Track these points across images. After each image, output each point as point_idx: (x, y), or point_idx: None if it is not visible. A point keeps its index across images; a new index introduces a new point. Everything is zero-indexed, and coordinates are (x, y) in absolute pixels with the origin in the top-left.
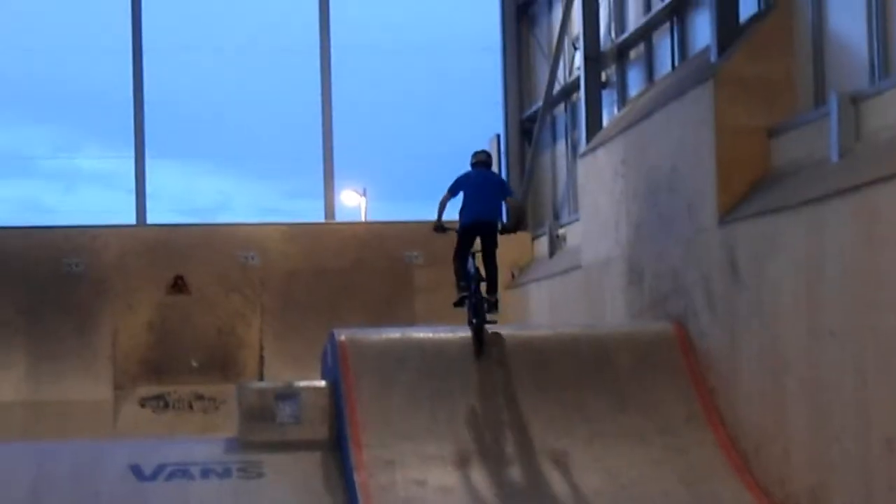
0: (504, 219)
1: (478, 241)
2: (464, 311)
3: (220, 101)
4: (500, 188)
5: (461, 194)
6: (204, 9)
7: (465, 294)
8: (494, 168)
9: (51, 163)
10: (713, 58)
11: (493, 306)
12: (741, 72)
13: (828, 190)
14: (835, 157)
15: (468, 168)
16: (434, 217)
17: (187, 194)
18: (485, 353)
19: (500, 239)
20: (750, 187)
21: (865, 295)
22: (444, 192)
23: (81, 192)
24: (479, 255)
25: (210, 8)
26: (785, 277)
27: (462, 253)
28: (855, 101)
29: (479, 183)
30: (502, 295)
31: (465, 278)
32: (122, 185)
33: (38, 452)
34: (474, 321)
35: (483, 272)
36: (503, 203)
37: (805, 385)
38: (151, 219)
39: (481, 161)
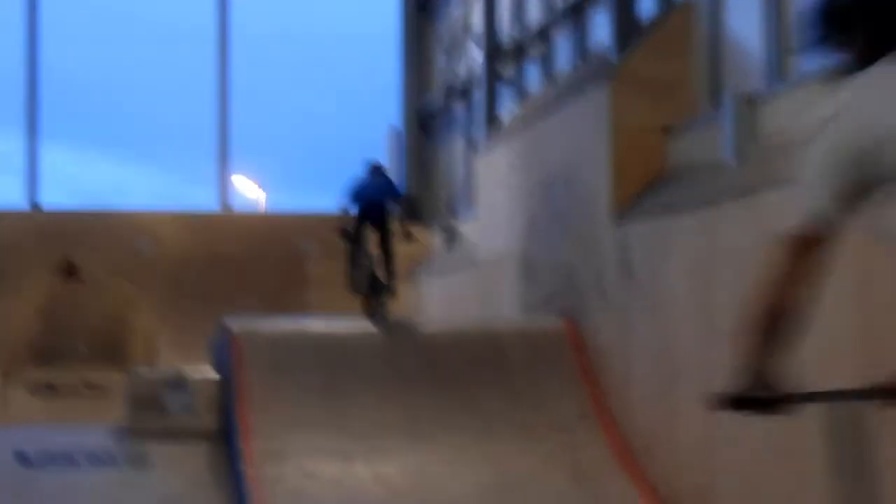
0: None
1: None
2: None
3: (118, 86)
4: (389, 188)
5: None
6: None
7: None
8: (390, 159)
9: None
10: (612, 57)
11: (388, 290)
12: (639, 72)
13: (722, 192)
14: (730, 159)
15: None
16: (334, 210)
17: (82, 178)
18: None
19: (397, 233)
20: (645, 187)
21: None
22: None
23: None
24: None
25: None
26: (678, 278)
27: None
28: (751, 103)
29: (372, 184)
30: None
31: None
32: (13, 168)
33: None
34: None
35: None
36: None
37: (696, 387)
38: (48, 202)
39: (375, 169)
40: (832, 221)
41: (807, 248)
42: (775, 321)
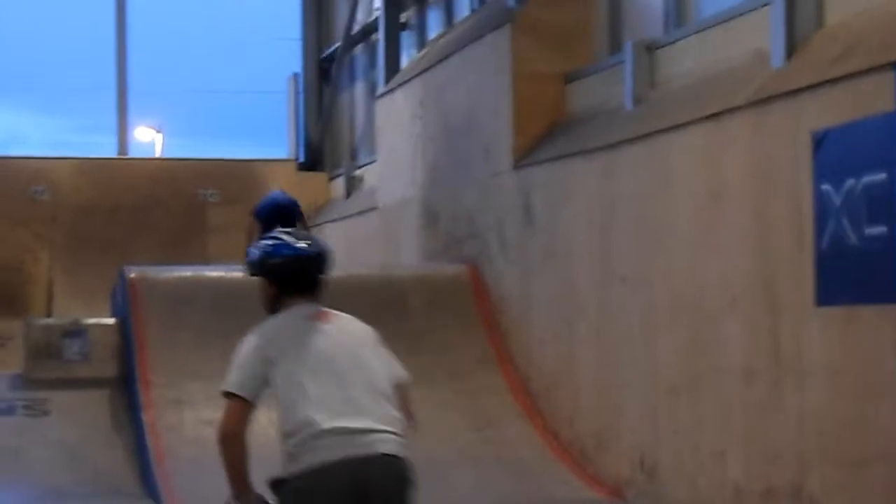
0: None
1: None
2: None
3: (11, 31)
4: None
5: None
6: None
7: None
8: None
9: None
10: (511, 2)
11: None
12: (538, 17)
13: (621, 136)
14: (629, 105)
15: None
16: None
17: None
18: None
19: (298, 179)
20: (545, 132)
21: (655, 241)
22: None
23: None
24: None
25: None
26: (578, 223)
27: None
28: (650, 49)
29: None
30: None
31: None
32: None
33: None
34: None
35: None
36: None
37: (595, 330)
38: None
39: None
40: None
41: None
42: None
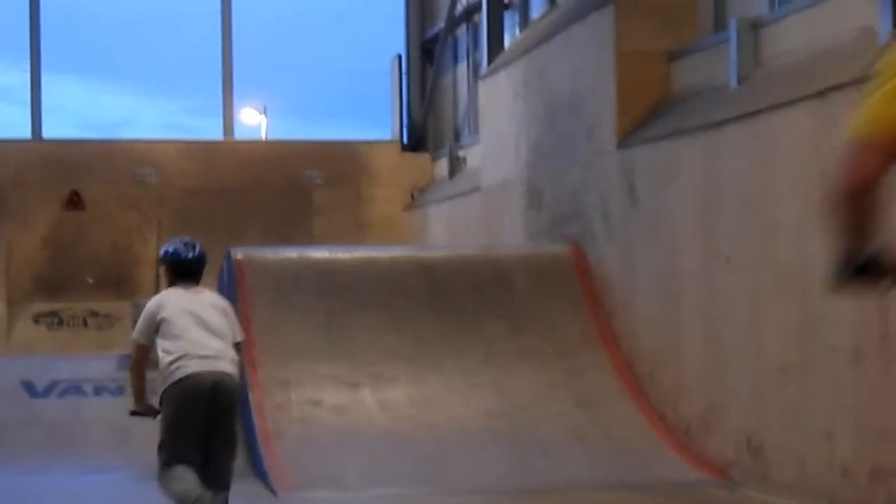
0: None
1: None
2: (360, 231)
3: (123, 16)
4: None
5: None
6: None
7: None
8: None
9: None
10: None
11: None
12: None
13: (725, 115)
14: (733, 83)
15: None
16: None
17: (91, 110)
18: None
19: (401, 160)
20: (649, 111)
21: (760, 221)
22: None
23: None
24: None
25: None
26: (682, 202)
27: None
28: (755, 26)
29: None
30: (403, 216)
31: None
32: (23, 100)
33: None
34: None
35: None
36: None
37: (700, 310)
38: (55, 133)
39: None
40: None
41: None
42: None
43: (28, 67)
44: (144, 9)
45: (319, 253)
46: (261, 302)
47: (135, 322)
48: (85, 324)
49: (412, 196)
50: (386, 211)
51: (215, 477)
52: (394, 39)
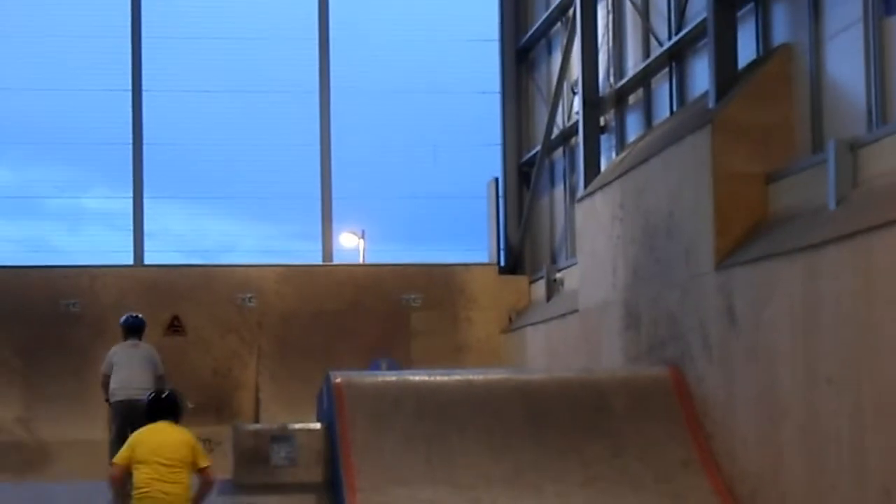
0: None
1: None
2: (457, 353)
3: (224, 144)
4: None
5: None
6: (204, 51)
7: None
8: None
9: (57, 203)
10: (711, 103)
11: None
12: (739, 117)
13: (824, 236)
14: (832, 204)
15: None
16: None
17: (193, 235)
18: None
19: (498, 283)
20: (747, 233)
21: (862, 342)
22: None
23: (87, 231)
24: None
25: (210, 50)
26: (781, 323)
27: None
28: (853, 147)
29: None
30: (501, 339)
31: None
32: (126, 226)
33: (34, 494)
34: None
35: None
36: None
37: (802, 432)
38: (158, 259)
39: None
40: None
41: None
42: None
43: (131, 194)
44: (246, 136)
45: (418, 375)
46: (360, 425)
47: (239, 448)
48: None
49: (509, 318)
50: (483, 333)
51: None
52: (491, 163)
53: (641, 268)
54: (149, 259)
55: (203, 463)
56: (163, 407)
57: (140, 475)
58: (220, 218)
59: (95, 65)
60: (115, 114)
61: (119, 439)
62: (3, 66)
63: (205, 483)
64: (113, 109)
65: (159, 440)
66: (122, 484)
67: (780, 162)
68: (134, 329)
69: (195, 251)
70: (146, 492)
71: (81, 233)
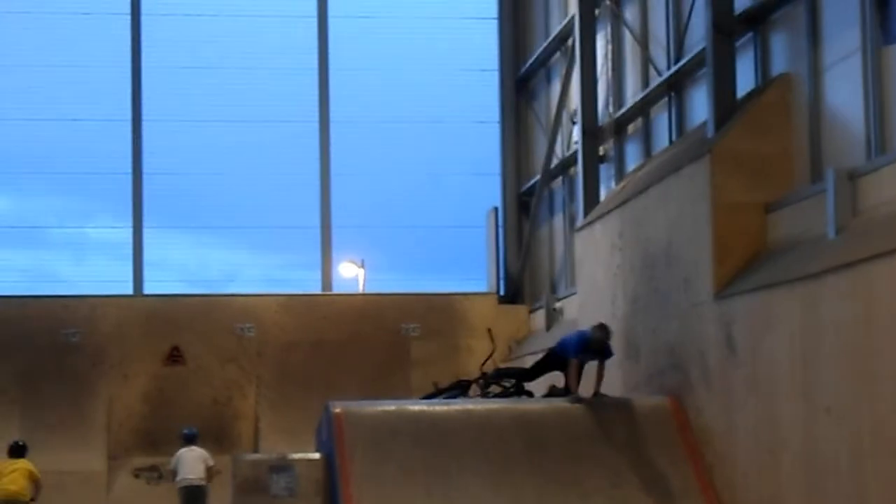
0: None
1: None
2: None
3: (225, 173)
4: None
5: None
6: (204, 81)
7: None
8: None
9: (60, 233)
10: (710, 133)
11: None
12: (738, 147)
13: (824, 266)
14: (831, 233)
15: None
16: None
17: (195, 265)
18: None
19: (498, 312)
20: (746, 262)
21: (861, 371)
22: None
23: (90, 261)
24: None
25: (210, 80)
26: (781, 353)
27: None
28: (852, 177)
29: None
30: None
31: None
32: (126, 255)
33: None
34: None
35: None
36: None
37: (801, 461)
38: (160, 289)
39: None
40: None
41: None
42: None
43: (130, 223)
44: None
45: (417, 405)
46: (359, 455)
47: (239, 478)
48: None
49: (509, 348)
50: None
51: None
52: (490, 192)
53: (640, 297)
54: (151, 288)
55: None
56: None
57: None
58: (223, 248)
59: (96, 95)
60: (116, 143)
61: None
62: (4, 97)
63: None
64: (114, 139)
65: None
66: None
67: (779, 191)
68: (190, 439)
69: (198, 281)
70: None
71: (84, 263)
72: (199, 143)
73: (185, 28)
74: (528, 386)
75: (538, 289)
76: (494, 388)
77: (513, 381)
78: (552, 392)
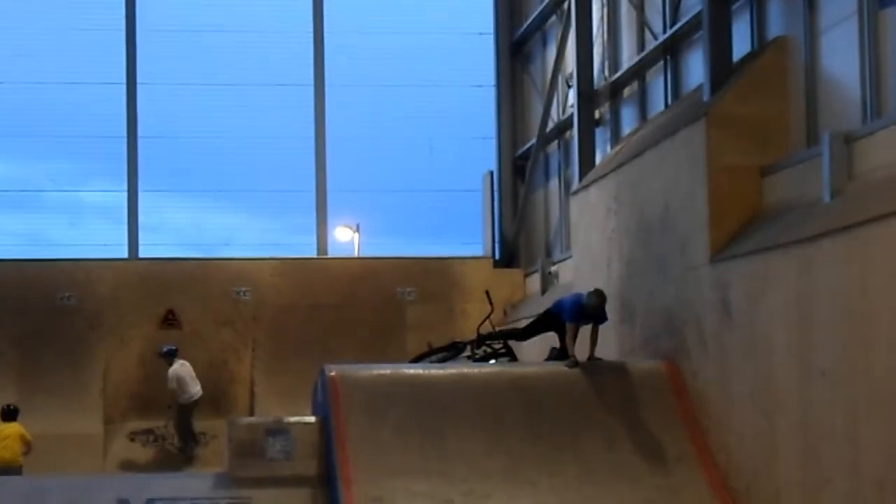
0: None
1: None
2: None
3: (220, 137)
4: None
5: None
6: (199, 44)
7: None
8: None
9: (55, 196)
10: (706, 96)
11: None
12: (734, 111)
13: (819, 229)
14: (827, 197)
15: None
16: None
17: (192, 229)
18: None
19: (493, 276)
20: (742, 226)
21: (856, 335)
22: None
23: (86, 225)
24: None
25: (204, 43)
26: (776, 317)
27: None
28: (847, 140)
29: None
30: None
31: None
32: (122, 219)
33: (28, 487)
34: None
35: None
36: None
37: (796, 425)
38: (156, 253)
39: None
40: None
41: None
42: None
43: (125, 187)
44: (240, 129)
45: (412, 369)
46: (355, 418)
47: (235, 442)
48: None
49: (504, 312)
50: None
51: None
52: (486, 156)
53: (636, 261)
54: (147, 252)
55: None
56: None
57: None
58: (218, 211)
59: (91, 57)
60: (111, 107)
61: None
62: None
63: None
64: (109, 102)
65: None
66: None
67: (775, 155)
68: (174, 353)
69: (193, 244)
70: None
71: (80, 226)
72: (194, 107)
73: None
74: (523, 345)
75: (533, 252)
76: (485, 350)
77: (501, 342)
78: (552, 355)
